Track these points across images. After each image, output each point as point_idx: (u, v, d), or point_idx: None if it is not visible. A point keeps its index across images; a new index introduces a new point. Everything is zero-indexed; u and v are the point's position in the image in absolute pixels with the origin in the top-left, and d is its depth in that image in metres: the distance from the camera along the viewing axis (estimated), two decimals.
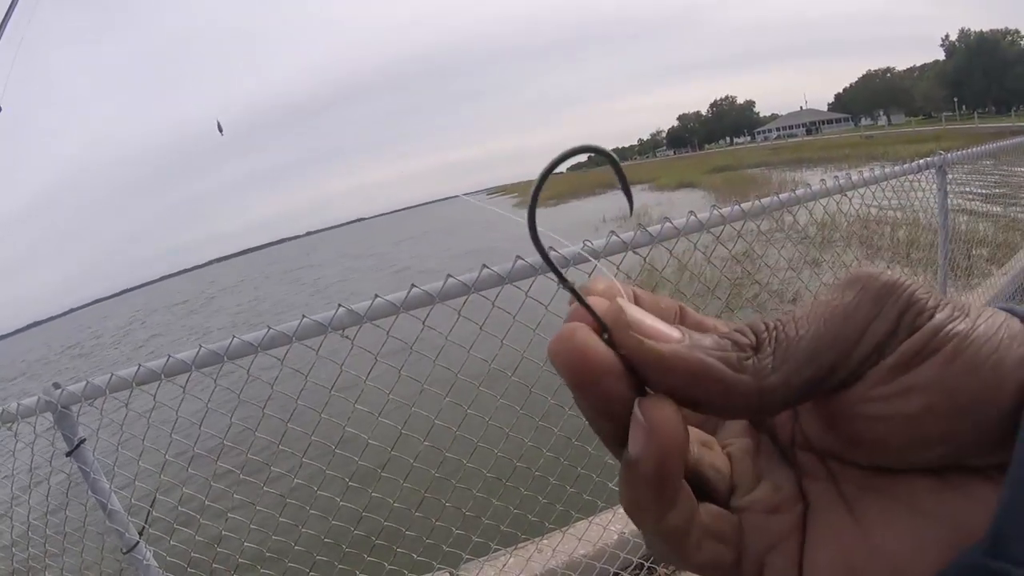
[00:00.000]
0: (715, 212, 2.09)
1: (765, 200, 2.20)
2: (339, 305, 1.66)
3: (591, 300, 0.22)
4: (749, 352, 0.20)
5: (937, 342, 0.20)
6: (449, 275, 1.68)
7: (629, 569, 2.07)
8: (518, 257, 1.70)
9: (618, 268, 1.85)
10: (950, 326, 0.20)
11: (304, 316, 1.67)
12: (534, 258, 1.72)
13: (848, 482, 0.23)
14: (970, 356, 0.19)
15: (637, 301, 0.24)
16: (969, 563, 0.18)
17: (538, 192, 0.24)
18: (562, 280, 0.24)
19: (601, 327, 0.21)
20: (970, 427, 0.19)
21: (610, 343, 0.21)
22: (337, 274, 28.02)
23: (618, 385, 0.21)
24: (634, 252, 1.95)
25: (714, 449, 0.26)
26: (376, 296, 1.67)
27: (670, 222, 1.97)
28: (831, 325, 0.21)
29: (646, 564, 2.11)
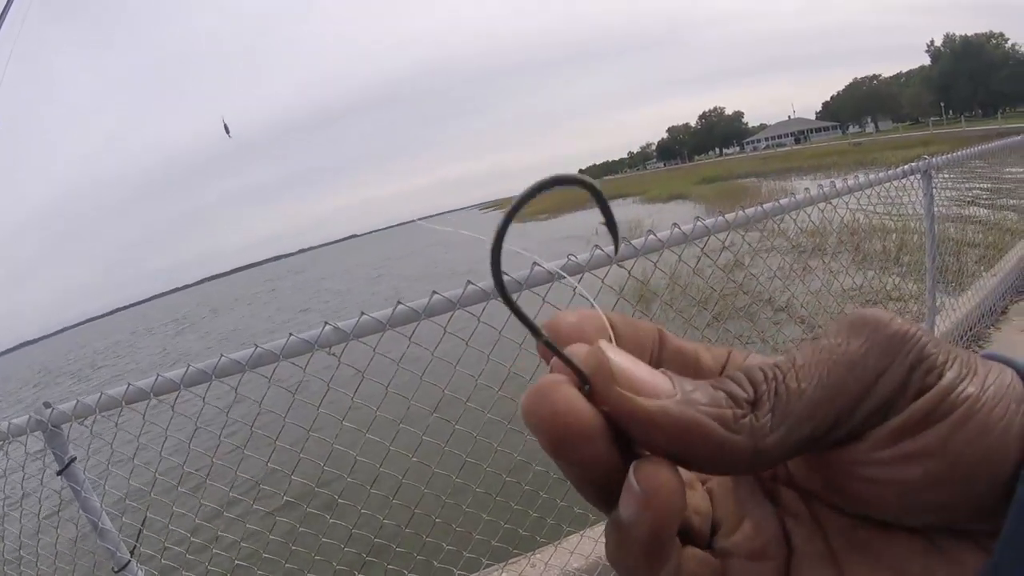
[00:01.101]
0: (699, 224, 2.10)
1: (749, 210, 2.20)
2: (325, 323, 1.66)
3: (570, 348, 0.20)
4: (746, 408, 0.19)
5: (947, 406, 0.19)
6: (434, 291, 1.68)
7: None
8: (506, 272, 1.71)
9: (603, 282, 1.85)
10: (961, 387, 0.19)
11: (291, 334, 1.68)
12: (508, 276, 1.72)
13: (834, 532, 0.22)
14: (979, 422, 0.18)
15: (614, 330, 0.22)
16: None
17: (503, 232, 0.21)
18: (533, 331, 0.21)
19: (581, 379, 0.19)
20: (969, 495, 0.19)
21: (591, 396, 0.19)
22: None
23: (602, 449, 0.18)
24: (619, 265, 1.96)
25: (695, 488, 0.25)
26: (362, 313, 1.67)
27: (654, 235, 1.98)
28: (834, 377, 0.19)
29: None
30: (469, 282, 1.69)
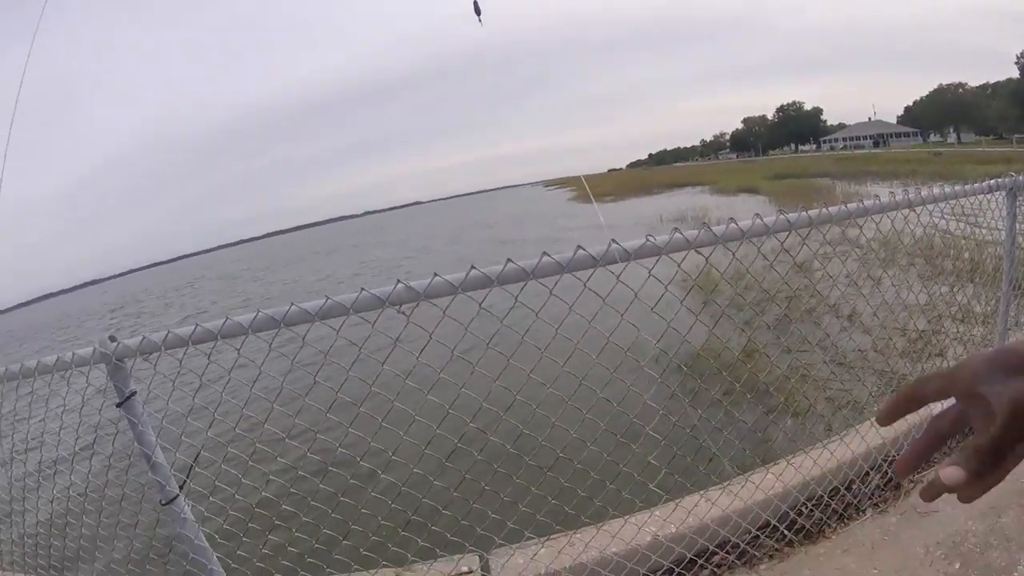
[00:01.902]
0: (781, 217, 2.03)
1: (832, 208, 2.13)
2: (398, 281, 1.66)
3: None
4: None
5: None
6: (509, 259, 1.66)
7: (659, 572, 2.04)
8: (605, 242, 1.68)
9: (679, 266, 1.81)
10: None
11: (363, 289, 1.68)
12: (595, 248, 1.69)
13: None
14: None
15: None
16: None
17: None
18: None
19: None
20: None
21: None
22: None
23: None
24: (696, 251, 1.91)
25: None
26: (435, 275, 1.66)
27: (735, 223, 1.92)
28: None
29: (676, 569, 2.08)
30: (545, 253, 1.66)
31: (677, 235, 1.77)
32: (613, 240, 1.69)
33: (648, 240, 1.76)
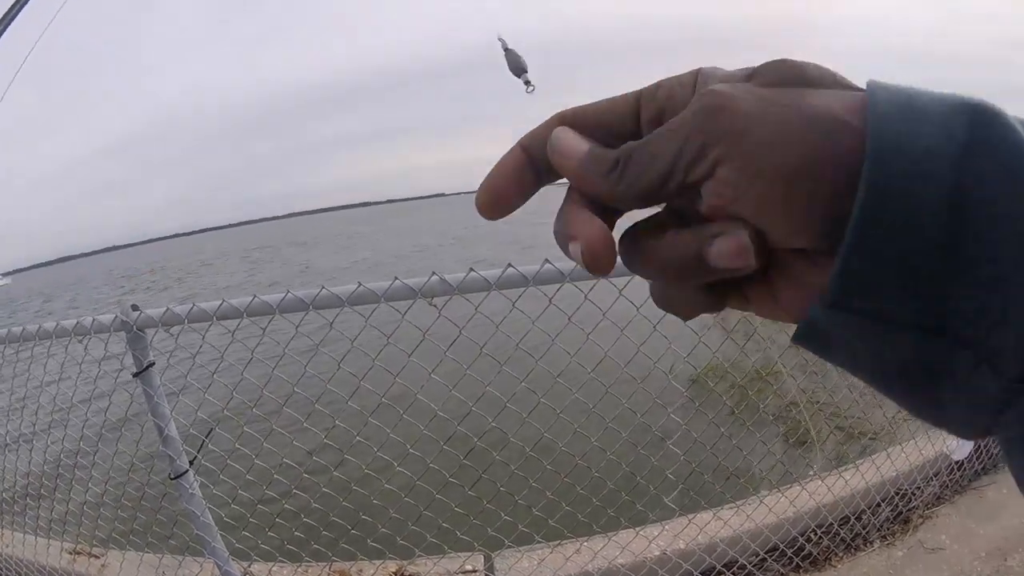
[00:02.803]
0: None
1: None
2: (432, 273, 1.64)
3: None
4: (611, 167, 0.25)
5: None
6: (546, 260, 1.64)
7: None
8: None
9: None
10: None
11: (396, 278, 1.66)
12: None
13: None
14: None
15: (576, 117, 0.27)
16: (815, 313, 0.22)
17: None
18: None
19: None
20: (800, 211, 0.21)
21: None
22: None
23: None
24: None
25: None
26: (471, 269, 1.65)
27: None
28: (668, 136, 0.23)
29: None
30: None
31: None
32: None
33: None
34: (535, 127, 0.28)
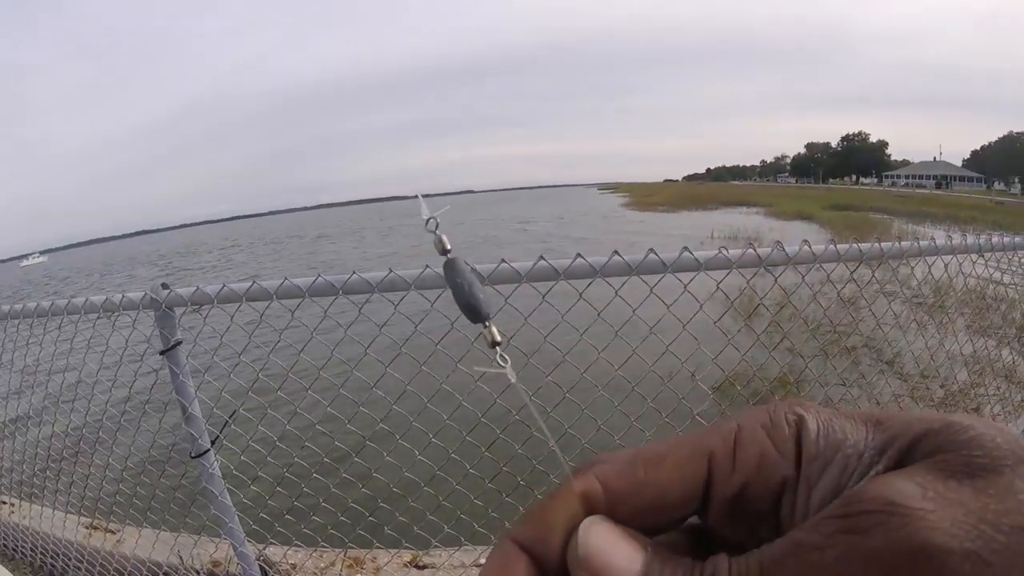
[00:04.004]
0: (831, 247, 1.97)
1: (885, 244, 2.06)
2: (464, 262, 1.64)
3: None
4: None
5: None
6: (578, 254, 1.63)
7: None
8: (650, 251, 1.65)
9: (718, 285, 1.75)
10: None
11: (427, 266, 1.66)
12: (667, 254, 1.65)
13: None
14: None
15: (612, 498, 0.19)
16: None
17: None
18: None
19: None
20: None
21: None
22: None
23: None
24: (738, 272, 1.85)
25: None
26: (502, 261, 1.64)
27: (782, 248, 1.87)
28: None
29: None
30: (615, 251, 1.63)
31: (720, 253, 1.71)
32: (686, 248, 1.65)
33: (685, 252, 1.70)
34: (538, 507, 0.19)
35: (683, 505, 0.19)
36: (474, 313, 0.27)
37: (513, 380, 0.25)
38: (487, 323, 0.26)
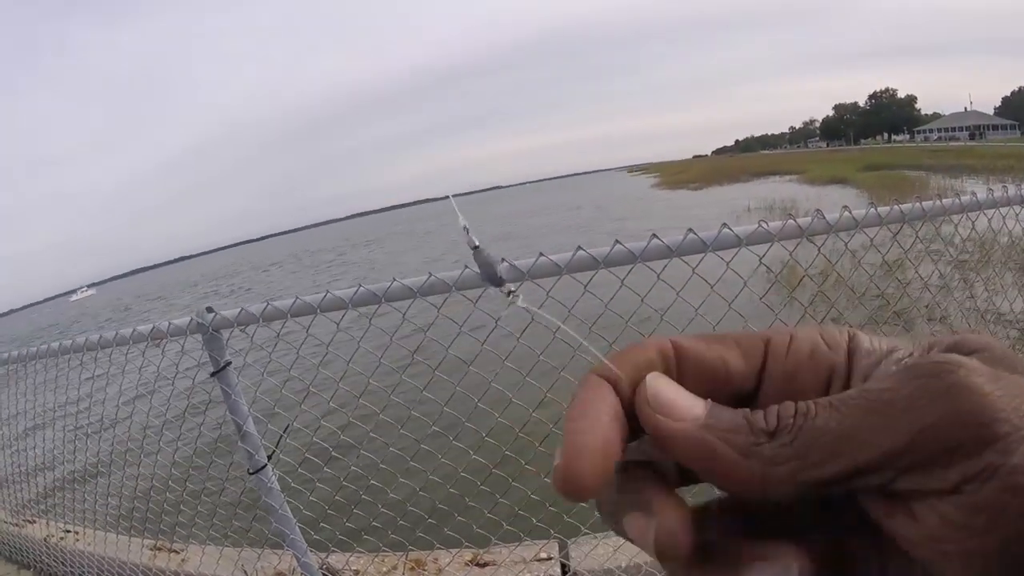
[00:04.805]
0: (872, 210, 1.92)
1: (926, 203, 2.00)
2: (502, 259, 1.64)
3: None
4: (763, 439, 0.18)
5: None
6: (617, 241, 1.62)
7: None
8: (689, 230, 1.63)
9: (760, 260, 1.73)
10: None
11: (466, 266, 1.67)
12: (706, 233, 1.63)
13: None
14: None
15: (680, 355, 0.21)
16: None
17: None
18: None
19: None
20: None
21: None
22: None
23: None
24: (780, 244, 1.82)
25: None
26: (540, 254, 1.64)
27: (822, 216, 1.83)
28: (869, 421, 0.17)
29: None
30: (653, 234, 1.62)
31: (760, 227, 1.68)
32: (725, 224, 1.63)
33: (724, 228, 1.67)
34: (619, 352, 0.21)
35: (741, 379, 0.21)
36: (495, 280, 0.46)
37: (520, 303, 0.32)
38: (502, 286, 0.35)
